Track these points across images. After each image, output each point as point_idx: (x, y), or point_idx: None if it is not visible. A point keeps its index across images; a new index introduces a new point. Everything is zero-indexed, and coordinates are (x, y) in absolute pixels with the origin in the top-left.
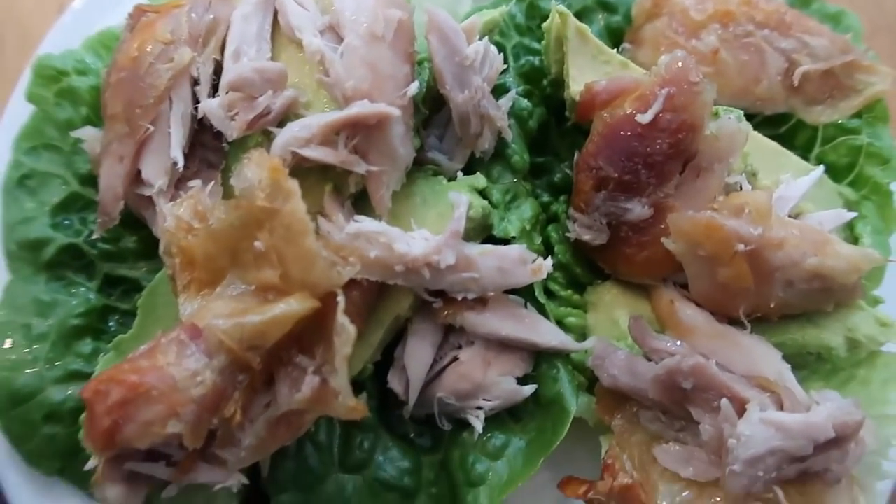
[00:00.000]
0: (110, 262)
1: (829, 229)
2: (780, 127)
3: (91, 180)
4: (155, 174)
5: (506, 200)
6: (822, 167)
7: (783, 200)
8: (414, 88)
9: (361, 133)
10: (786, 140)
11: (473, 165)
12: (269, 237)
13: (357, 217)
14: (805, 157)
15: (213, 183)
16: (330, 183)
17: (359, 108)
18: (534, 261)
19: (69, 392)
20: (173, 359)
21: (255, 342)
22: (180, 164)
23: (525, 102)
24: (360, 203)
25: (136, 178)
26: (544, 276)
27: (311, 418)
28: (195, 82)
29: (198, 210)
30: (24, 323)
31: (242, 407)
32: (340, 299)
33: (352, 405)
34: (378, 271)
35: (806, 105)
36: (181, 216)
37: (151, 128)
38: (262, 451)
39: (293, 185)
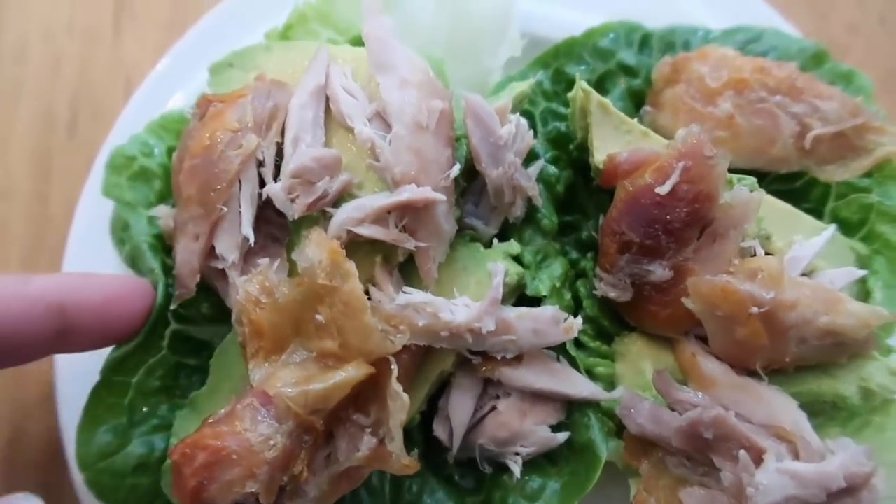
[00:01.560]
0: (181, 324)
1: (841, 286)
2: (795, 182)
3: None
4: (228, 250)
5: (537, 261)
6: (833, 227)
7: (796, 260)
8: (455, 171)
9: (410, 213)
10: (800, 195)
11: (507, 229)
12: (328, 311)
13: (406, 289)
14: (819, 212)
15: (279, 260)
16: (380, 255)
17: (409, 194)
18: (565, 319)
19: (154, 444)
20: (248, 424)
21: (319, 406)
22: (251, 240)
23: (553, 169)
24: (405, 269)
25: (209, 253)
26: (575, 335)
27: (367, 472)
28: (260, 164)
29: (265, 286)
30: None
31: (308, 464)
32: (394, 368)
33: (405, 463)
34: (425, 337)
35: (818, 164)
36: (251, 291)
37: (225, 209)
38: (325, 501)
39: (351, 266)
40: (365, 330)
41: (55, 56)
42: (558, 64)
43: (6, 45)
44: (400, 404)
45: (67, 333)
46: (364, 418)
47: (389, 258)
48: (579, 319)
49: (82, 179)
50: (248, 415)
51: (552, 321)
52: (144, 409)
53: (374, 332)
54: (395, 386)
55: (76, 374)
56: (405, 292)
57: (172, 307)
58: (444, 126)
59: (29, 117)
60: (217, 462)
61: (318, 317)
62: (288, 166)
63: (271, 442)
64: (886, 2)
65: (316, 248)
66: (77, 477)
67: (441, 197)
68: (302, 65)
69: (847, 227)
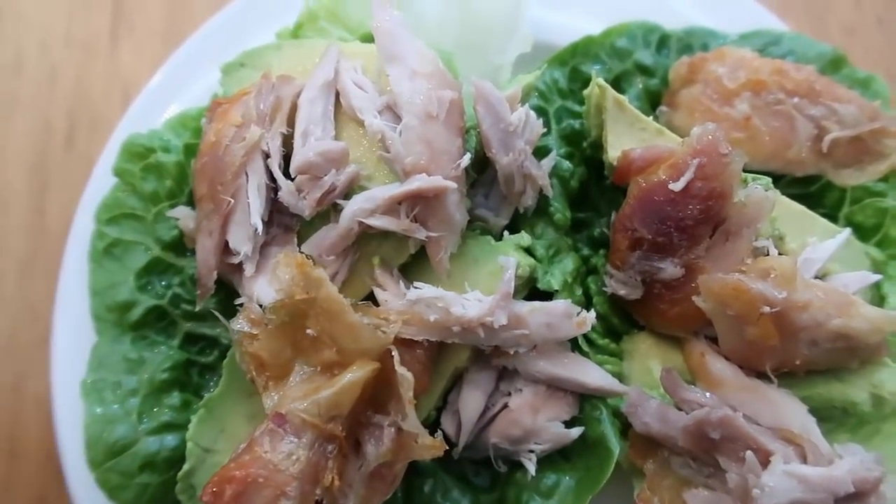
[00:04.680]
0: (192, 321)
1: (854, 290)
2: (810, 186)
3: (172, 246)
4: (240, 242)
5: (549, 255)
6: (848, 230)
7: (809, 262)
8: (466, 160)
9: (421, 203)
10: (815, 199)
11: (518, 220)
12: (316, 322)
13: (416, 284)
14: (834, 217)
15: (290, 246)
16: (377, 257)
17: (419, 183)
18: (578, 314)
19: (163, 442)
20: (269, 447)
21: (333, 413)
22: (260, 229)
23: (567, 164)
24: (413, 267)
25: (224, 249)
26: (588, 329)
27: (400, 468)
28: (266, 156)
29: (252, 319)
30: (115, 380)
31: (338, 473)
32: (395, 354)
33: (429, 444)
34: (437, 332)
35: (835, 168)
36: (241, 328)
37: (232, 201)
38: None
39: (320, 272)
40: (352, 329)
41: (52, 68)
42: (575, 62)
43: (2, 58)
44: (406, 385)
45: None
46: (383, 417)
47: (390, 258)
48: (592, 313)
49: (80, 191)
50: (266, 439)
51: (565, 315)
52: (154, 409)
53: (362, 328)
54: (399, 369)
55: (75, 390)
56: (416, 287)
57: (198, 308)
58: (454, 116)
59: (26, 129)
60: (245, 490)
61: (310, 331)
62: (294, 163)
63: (294, 457)
64: (884, 3)
65: (285, 268)
66: (74, 491)
67: (452, 184)
68: (312, 62)
69: (862, 232)
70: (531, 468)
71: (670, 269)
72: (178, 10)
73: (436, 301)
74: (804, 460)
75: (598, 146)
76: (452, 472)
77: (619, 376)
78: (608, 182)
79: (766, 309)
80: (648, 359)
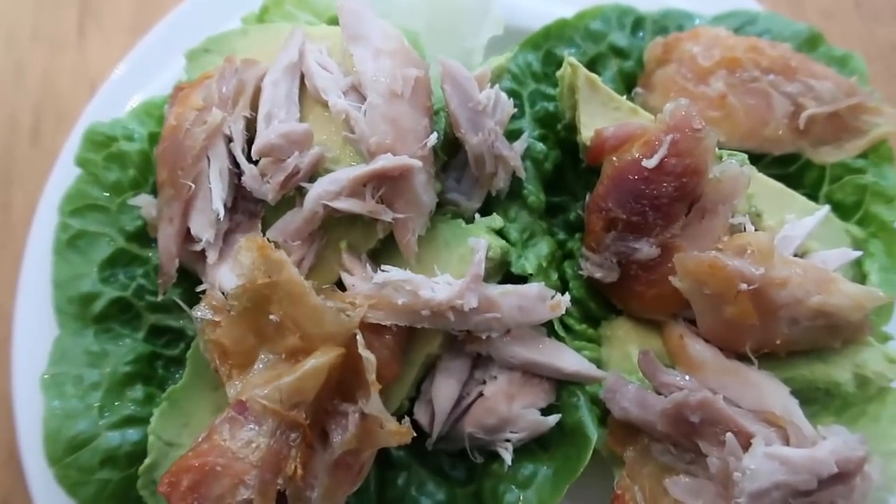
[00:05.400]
0: (157, 313)
1: (835, 268)
2: (790, 167)
3: (136, 237)
4: (202, 229)
5: (523, 238)
6: (826, 207)
7: (788, 240)
8: (433, 139)
9: (387, 184)
10: (795, 179)
11: (491, 204)
12: (279, 307)
13: (384, 267)
14: (814, 196)
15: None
16: (344, 242)
17: (383, 162)
18: (552, 297)
19: (125, 437)
20: (228, 435)
21: (296, 399)
22: (221, 214)
23: (541, 146)
24: (382, 253)
25: (187, 236)
26: (563, 312)
27: (366, 456)
28: (229, 140)
29: (214, 306)
30: (76, 374)
31: (302, 463)
32: (359, 336)
33: (395, 429)
34: (406, 317)
35: (813, 146)
36: (203, 316)
37: (193, 186)
38: (330, 500)
39: (281, 255)
40: (315, 312)
41: (18, 62)
42: (549, 45)
43: None
44: (370, 366)
45: None
46: (350, 405)
47: (357, 243)
48: (567, 297)
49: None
50: (226, 426)
51: (538, 298)
52: (116, 403)
53: (325, 311)
54: (363, 351)
55: (36, 386)
56: (383, 270)
57: (160, 297)
58: (420, 95)
59: None
60: (203, 479)
61: (273, 317)
62: (256, 145)
63: (254, 445)
64: None
65: (247, 252)
66: (34, 490)
67: (417, 163)
68: (278, 46)
69: (843, 211)
70: (507, 457)
71: (646, 249)
72: (146, 4)
73: (404, 284)
74: (786, 442)
75: (573, 128)
76: (428, 464)
77: (598, 362)
78: (584, 166)
79: (744, 286)
80: (627, 344)
